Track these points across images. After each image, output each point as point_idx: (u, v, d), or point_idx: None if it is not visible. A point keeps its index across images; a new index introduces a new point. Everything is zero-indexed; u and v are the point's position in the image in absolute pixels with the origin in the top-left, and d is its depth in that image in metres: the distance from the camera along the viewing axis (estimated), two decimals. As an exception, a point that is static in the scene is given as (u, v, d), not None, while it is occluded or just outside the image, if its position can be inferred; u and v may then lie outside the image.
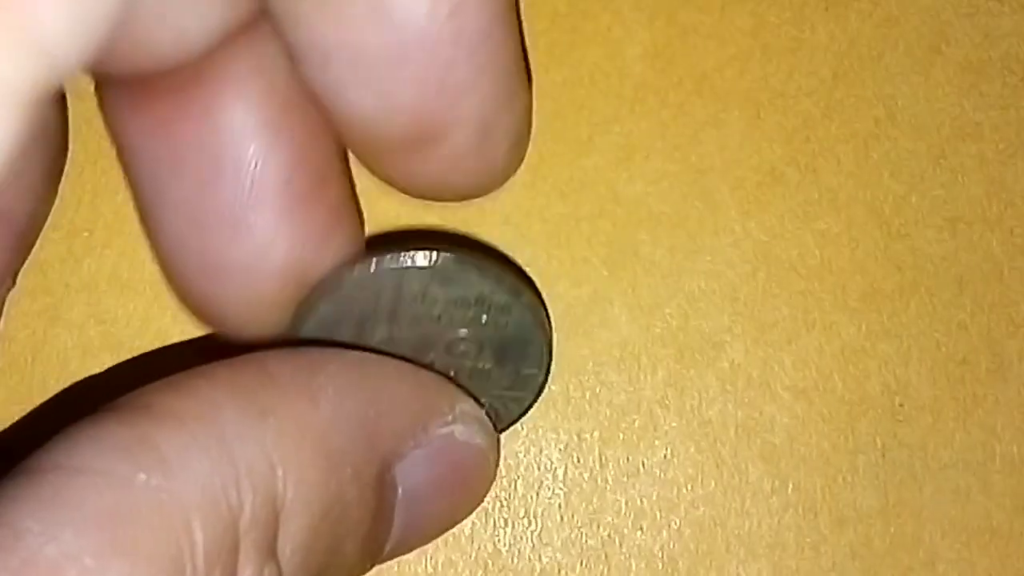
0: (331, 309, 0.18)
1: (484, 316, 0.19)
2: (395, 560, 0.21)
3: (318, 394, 0.16)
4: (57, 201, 0.20)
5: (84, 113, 0.20)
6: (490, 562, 0.21)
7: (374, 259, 0.18)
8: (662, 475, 0.22)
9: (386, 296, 0.18)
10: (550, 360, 0.20)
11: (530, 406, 0.20)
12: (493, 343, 0.19)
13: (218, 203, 0.17)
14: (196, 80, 0.17)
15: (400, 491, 0.18)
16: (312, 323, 0.18)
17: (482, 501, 0.20)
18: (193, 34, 0.16)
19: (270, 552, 0.15)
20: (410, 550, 0.19)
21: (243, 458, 0.15)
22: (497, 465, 0.19)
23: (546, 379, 0.20)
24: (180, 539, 0.14)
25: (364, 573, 0.18)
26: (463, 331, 0.19)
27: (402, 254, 0.18)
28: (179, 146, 0.17)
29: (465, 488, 0.19)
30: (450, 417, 0.18)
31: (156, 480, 0.14)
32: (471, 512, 0.20)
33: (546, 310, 0.20)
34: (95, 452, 0.14)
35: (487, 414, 0.19)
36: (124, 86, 0.17)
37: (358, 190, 0.19)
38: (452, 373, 0.19)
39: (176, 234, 0.18)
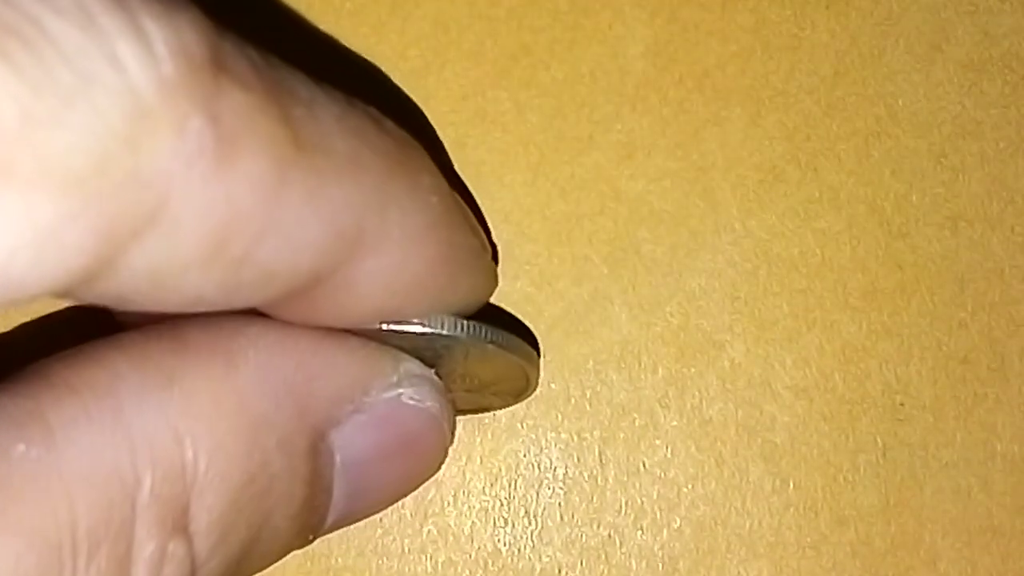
0: None
1: (468, 356, 0.18)
2: (395, 559, 0.21)
3: (236, 358, 0.16)
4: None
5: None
6: (490, 561, 0.21)
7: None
8: (662, 474, 0.21)
9: None
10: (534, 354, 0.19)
11: (528, 386, 0.20)
12: (482, 378, 0.19)
13: None
14: None
15: (338, 459, 0.17)
16: None
17: (437, 470, 0.19)
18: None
19: (176, 528, 0.15)
20: (360, 519, 0.18)
21: (141, 429, 0.14)
22: (453, 431, 0.18)
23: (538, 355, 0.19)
24: (58, 514, 0.13)
25: (305, 545, 0.17)
26: (454, 371, 0.19)
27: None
28: None
29: (415, 454, 0.18)
30: (395, 378, 0.17)
31: (37, 452, 0.13)
32: (425, 481, 0.19)
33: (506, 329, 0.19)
34: None
35: (507, 399, 0.19)
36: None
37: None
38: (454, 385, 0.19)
39: None
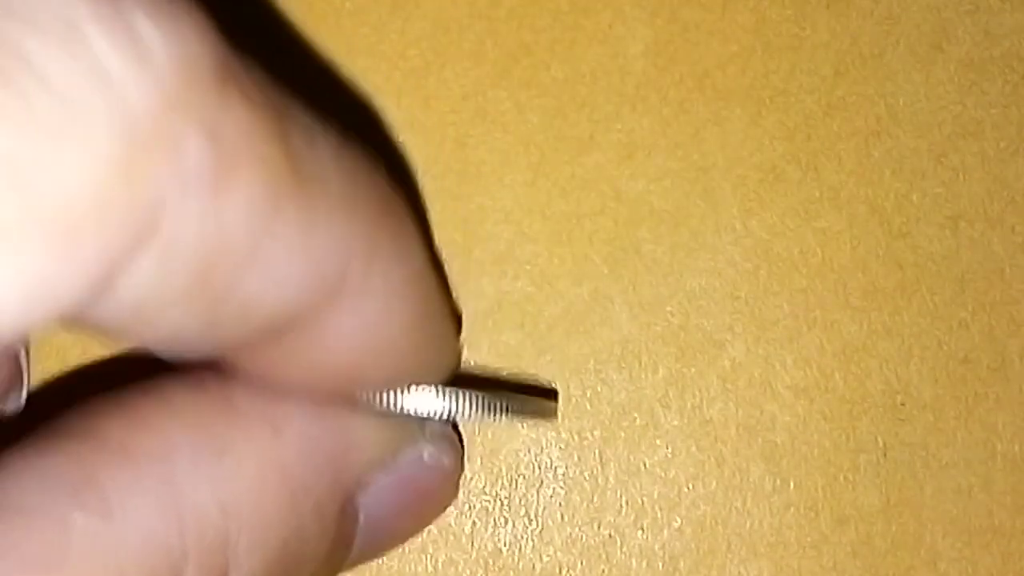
0: None
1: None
2: (395, 559, 0.21)
3: (282, 425, 0.16)
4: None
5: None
6: (491, 561, 0.21)
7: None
8: (663, 474, 0.22)
9: None
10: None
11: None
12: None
13: None
14: None
15: (362, 518, 0.17)
16: None
17: (444, 512, 0.19)
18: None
19: None
20: (364, 562, 0.19)
21: (192, 502, 0.14)
22: (461, 475, 0.19)
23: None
24: None
25: None
26: None
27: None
28: None
29: (429, 507, 0.19)
30: (420, 442, 0.18)
31: (94, 523, 0.13)
32: (431, 523, 0.20)
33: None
34: (37, 488, 0.14)
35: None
36: None
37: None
38: None
39: None
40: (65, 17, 0.10)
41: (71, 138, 0.10)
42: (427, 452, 0.18)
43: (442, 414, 0.17)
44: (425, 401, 0.17)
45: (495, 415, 0.18)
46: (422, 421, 0.18)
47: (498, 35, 0.22)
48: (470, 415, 0.18)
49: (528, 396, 0.20)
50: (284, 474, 0.15)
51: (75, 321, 0.12)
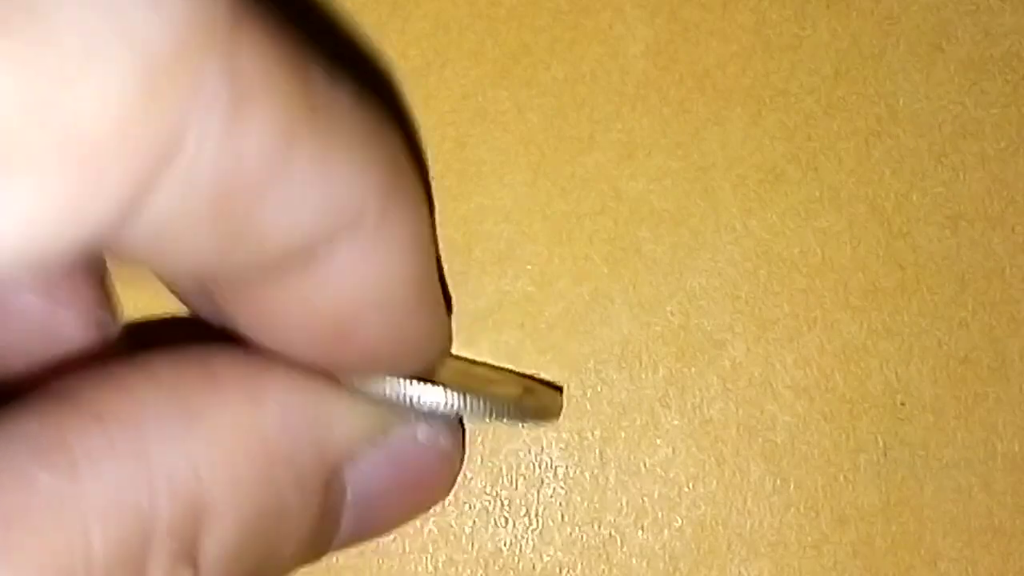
0: None
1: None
2: (395, 559, 0.21)
3: (263, 395, 0.16)
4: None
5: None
6: (491, 561, 0.21)
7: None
8: (663, 474, 0.22)
9: None
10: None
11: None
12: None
13: None
14: None
15: (349, 494, 0.17)
16: None
17: (445, 497, 0.19)
18: None
19: (187, 559, 0.15)
20: (359, 543, 0.19)
21: (163, 466, 0.14)
22: (462, 463, 0.19)
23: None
24: (74, 546, 0.13)
25: (306, 565, 0.18)
26: None
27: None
28: None
29: (424, 490, 0.19)
30: (412, 418, 0.18)
31: (60, 482, 0.13)
32: (429, 509, 0.19)
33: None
34: (4, 448, 0.14)
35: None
36: None
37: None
38: None
39: None
40: None
41: (93, 73, 0.11)
42: (421, 432, 0.18)
43: (444, 409, 0.17)
44: (429, 395, 0.17)
45: (499, 418, 0.18)
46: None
47: (498, 35, 0.22)
48: (473, 415, 0.18)
49: (533, 391, 0.20)
50: (262, 442, 0.15)
51: (103, 246, 0.12)
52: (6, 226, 0.11)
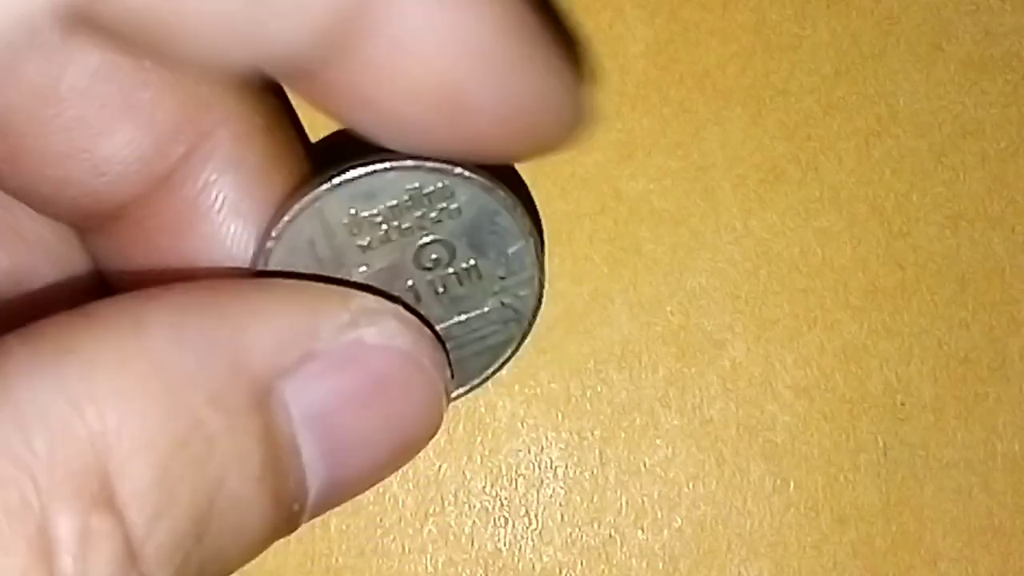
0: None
1: (431, 212, 0.17)
2: (395, 559, 0.21)
3: (146, 321, 0.14)
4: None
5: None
6: (490, 561, 0.21)
7: (288, 209, 0.16)
8: (663, 474, 0.21)
9: (321, 244, 0.17)
10: (534, 221, 0.17)
11: (542, 284, 0.18)
12: (459, 233, 0.17)
13: None
14: (160, 224, 0.16)
15: (294, 412, 0.15)
16: None
17: (435, 421, 0.17)
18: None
19: (98, 502, 0.13)
20: (355, 488, 0.17)
21: (32, 405, 0.13)
22: (443, 370, 0.16)
23: (541, 242, 0.18)
24: None
25: (294, 521, 0.16)
26: (422, 238, 0.17)
27: (307, 191, 0.16)
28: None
29: (394, 399, 0.16)
30: (346, 317, 0.16)
31: None
32: (423, 436, 0.17)
33: (495, 178, 0.18)
34: None
35: (508, 312, 0.17)
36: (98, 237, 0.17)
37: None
38: (441, 289, 0.17)
39: None
40: None
41: None
42: (367, 333, 0.16)
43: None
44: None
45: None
46: (343, 297, 0.16)
47: (498, 35, 0.22)
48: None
49: None
50: (152, 364, 0.14)
51: (97, 22, 0.11)
52: None
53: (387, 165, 0.16)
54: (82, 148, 0.16)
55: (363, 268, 0.17)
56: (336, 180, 0.16)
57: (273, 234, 0.17)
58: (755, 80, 0.22)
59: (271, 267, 0.17)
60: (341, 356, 0.16)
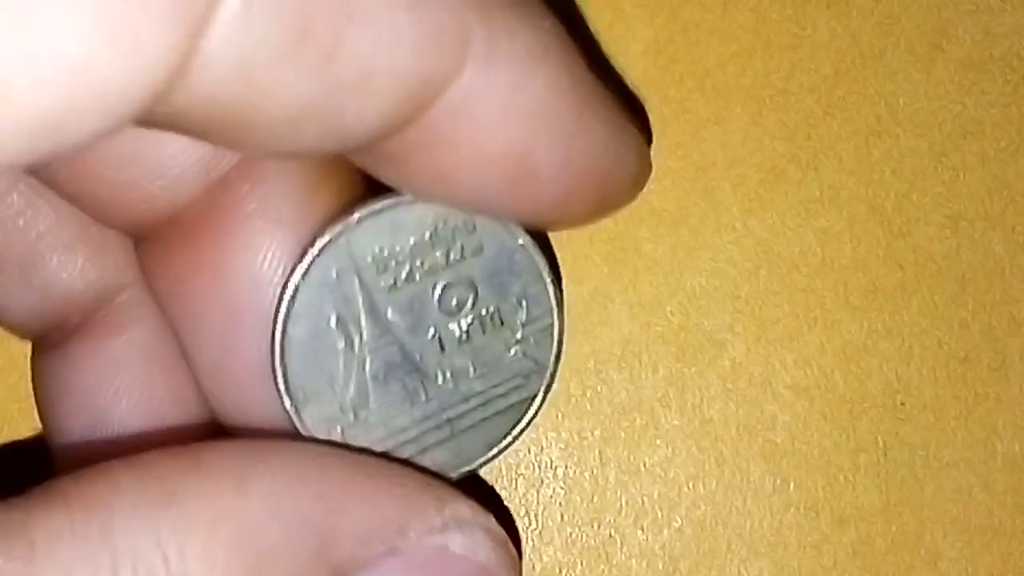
0: (305, 336, 0.16)
1: (452, 248, 0.17)
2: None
3: (248, 483, 0.14)
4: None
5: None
6: (490, 561, 0.21)
7: (308, 256, 0.16)
8: (663, 474, 0.21)
9: (347, 281, 0.17)
10: (550, 257, 0.18)
11: (562, 319, 0.18)
12: (480, 274, 0.17)
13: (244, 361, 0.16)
14: (204, 231, 0.16)
15: None
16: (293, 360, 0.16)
17: None
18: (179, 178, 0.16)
19: None
20: None
21: (127, 547, 0.14)
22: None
23: (558, 279, 0.18)
24: None
25: None
26: (443, 280, 0.17)
27: (325, 235, 0.16)
28: (198, 302, 0.16)
29: None
30: (438, 521, 0.15)
31: (16, 567, 0.13)
32: None
33: None
34: None
35: (529, 364, 0.17)
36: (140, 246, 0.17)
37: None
38: (465, 338, 0.17)
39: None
40: None
41: None
42: (454, 541, 0.15)
43: None
44: None
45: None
46: (439, 500, 0.16)
47: (498, 35, 0.22)
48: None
49: None
50: (244, 531, 0.14)
51: (185, 101, 0.11)
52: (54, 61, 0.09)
53: (411, 197, 0.16)
54: (144, 150, 0.16)
55: (391, 314, 0.17)
56: (361, 212, 0.16)
57: (300, 269, 0.16)
58: (755, 80, 0.22)
59: (297, 304, 0.16)
60: (423, 558, 0.15)
